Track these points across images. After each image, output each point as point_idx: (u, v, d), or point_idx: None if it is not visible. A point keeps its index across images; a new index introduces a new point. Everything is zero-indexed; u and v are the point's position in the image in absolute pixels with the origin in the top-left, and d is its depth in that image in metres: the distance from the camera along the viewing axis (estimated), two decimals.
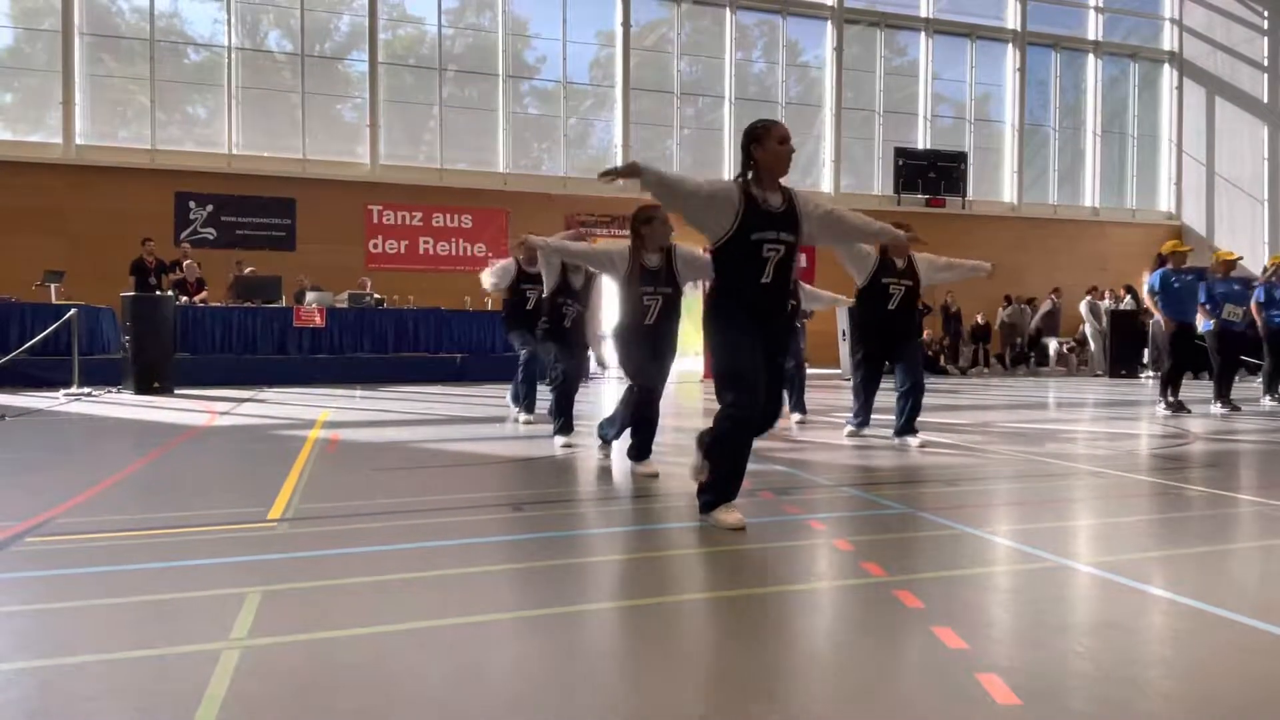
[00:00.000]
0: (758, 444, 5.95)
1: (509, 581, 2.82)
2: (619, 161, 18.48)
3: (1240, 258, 9.15)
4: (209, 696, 1.85)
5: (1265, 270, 9.54)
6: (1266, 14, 20.41)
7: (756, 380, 3.40)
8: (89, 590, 2.63)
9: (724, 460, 3.48)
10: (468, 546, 3.17)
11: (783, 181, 3.52)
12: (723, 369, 3.47)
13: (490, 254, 17.77)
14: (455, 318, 13.97)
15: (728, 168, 19.23)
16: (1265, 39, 20.42)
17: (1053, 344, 18.80)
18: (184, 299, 13.00)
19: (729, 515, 3.41)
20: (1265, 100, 20.38)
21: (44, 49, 15.80)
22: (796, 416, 7.30)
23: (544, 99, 18.64)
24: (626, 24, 18.62)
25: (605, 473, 4.87)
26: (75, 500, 3.94)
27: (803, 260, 18.48)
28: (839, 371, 15.07)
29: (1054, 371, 18.59)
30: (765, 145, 3.44)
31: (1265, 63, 20.42)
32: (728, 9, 19.28)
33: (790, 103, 19.75)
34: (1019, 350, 18.84)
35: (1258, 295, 9.26)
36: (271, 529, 3.42)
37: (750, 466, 5.01)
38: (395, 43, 17.84)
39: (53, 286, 12.16)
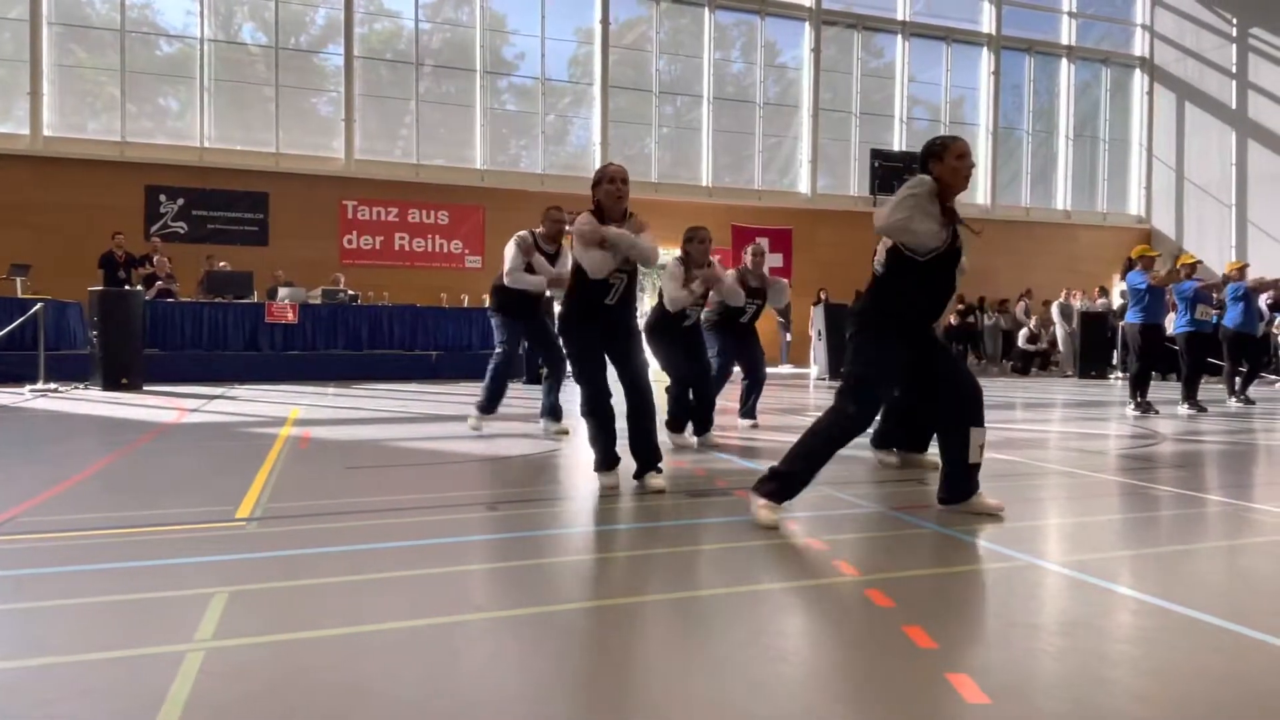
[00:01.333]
0: (728, 440, 6.00)
1: (483, 581, 2.80)
2: (597, 159, 18.45)
3: (1200, 261, 9.37)
4: (172, 699, 1.82)
5: (1229, 277, 9.66)
6: (1235, 22, 20.76)
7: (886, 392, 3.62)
8: (52, 590, 2.58)
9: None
10: (441, 546, 3.15)
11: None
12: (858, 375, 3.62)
13: (466, 250, 17.71)
14: (430, 315, 13.87)
15: (705, 166, 19.26)
16: (1234, 46, 20.78)
17: (1021, 337, 18.95)
18: (156, 282, 12.84)
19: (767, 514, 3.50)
20: (1234, 106, 20.74)
21: (11, 38, 15.50)
22: (747, 422, 6.91)
23: (522, 95, 18.57)
24: (605, 21, 18.59)
25: (579, 471, 4.86)
26: (39, 498, 3.86)
27: (779, 260, 18.60)
28: (813, 371, 15.15)
29: (1025, 373, 18.75)
30: (944, 161, 3.59)
31: (1233, 69, 20.78)
32: (706, 8, 19.30)
33: (768, 103, 19.82)
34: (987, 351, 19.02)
35: (1236, 290, 9.48)
36: (240, 528, 3.37)
37: (721, 465, 5.05)
38: (372, 37, 17.69)
39: (19, 280, 11.95)
